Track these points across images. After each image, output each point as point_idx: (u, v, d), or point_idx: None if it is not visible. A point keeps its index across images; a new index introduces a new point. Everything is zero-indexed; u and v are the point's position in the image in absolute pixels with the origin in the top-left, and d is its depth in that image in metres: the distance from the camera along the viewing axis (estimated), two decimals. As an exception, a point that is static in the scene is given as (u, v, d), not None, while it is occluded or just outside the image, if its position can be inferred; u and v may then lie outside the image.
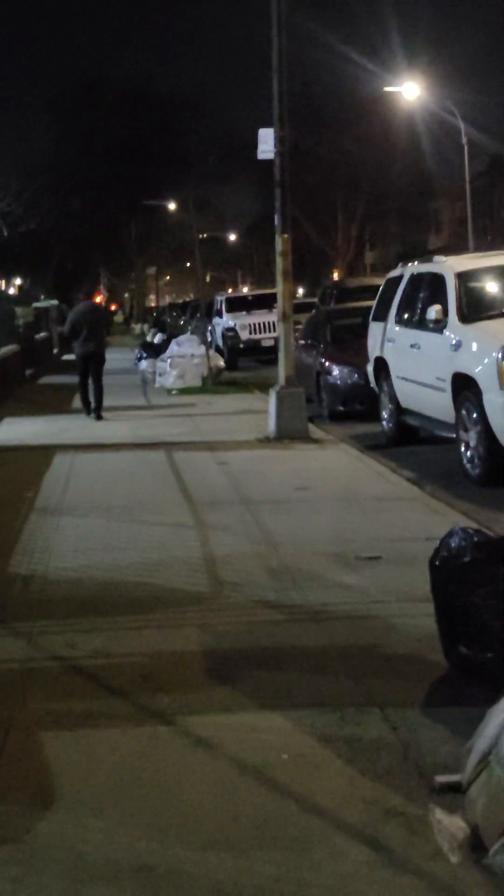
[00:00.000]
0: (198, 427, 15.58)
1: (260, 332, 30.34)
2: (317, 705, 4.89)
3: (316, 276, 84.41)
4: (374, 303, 18.60)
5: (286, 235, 13.62)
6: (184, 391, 21.22)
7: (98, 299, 38.09)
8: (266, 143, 13.75)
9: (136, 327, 63.29)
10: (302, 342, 19.01)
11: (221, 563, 7.49)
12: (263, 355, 31.15)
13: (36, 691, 5.20)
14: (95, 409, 17.20)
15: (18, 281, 76.91)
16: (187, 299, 72.77)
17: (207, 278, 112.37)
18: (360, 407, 16.26)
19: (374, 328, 14.42)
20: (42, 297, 48.22)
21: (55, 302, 40.59)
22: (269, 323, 30.35)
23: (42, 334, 32.64)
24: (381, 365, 13.96)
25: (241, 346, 30.34)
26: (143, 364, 24.88)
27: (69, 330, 17.91)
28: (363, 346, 16.95)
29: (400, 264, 14.58)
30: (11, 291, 65.45)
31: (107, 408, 18.29)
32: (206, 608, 6.45)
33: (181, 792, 4.11)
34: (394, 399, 13.41)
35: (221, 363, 23.65)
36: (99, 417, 17.05)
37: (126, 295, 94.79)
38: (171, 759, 4.39)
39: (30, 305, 30.36)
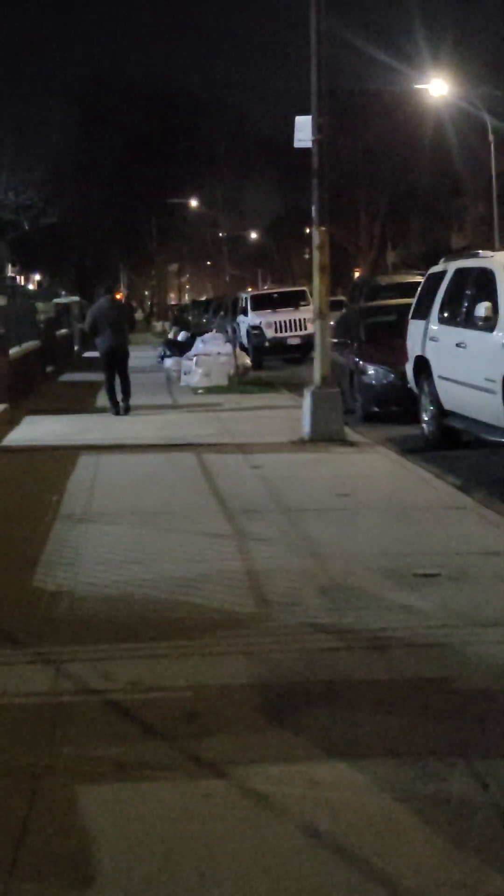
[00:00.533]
0: (227, 428, 14.94)
1: (286, 331, 29.72)
2: (391, 754, 4.25)
3: (338, 276, 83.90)
4: (410, 300, 17.99)
5: (324, 227, 12.96)
6: (210, 390, 20.59)
7: (118, 296, 37.50)
8: (303, 132, 13.10)
9: (158, 325, 62.76)
10: (334, 340, 18.33)
11: (265, 578, 6.85)
12: (289, 354, 30.58)
13: (66, 731, 4.57)
14: (124, 401, 17.21)
15: (38, 277, 76.53)
16: (207, 297, 72.19)
17: (227, 277, 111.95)
18: (396, 408, 15.60)
19: (414, 326, 13.76)
20: (63, 292, 47.67)
21: (76, 298, 40.02)
22: (295, 321, 29.77)
23: (63, 331, 32.07)
24: (421, 365, 13.30)
25: (267, 344, 29.72)
26: (168, 362, 24.26)
27: (89, 326, 17.90)
28: (399, 345, 16.29)
29: (442, 259, 13.91)
30: (30, 287, 65.02)
31: (132, 406, 17.72)
32: (253, 632, 5.81)
33: (242, 867, 3.47)
34: (435, 401, 12.75)
35: (248, 362, 23.03)
36: (127, 410, 17.08)
37: (146, 292, 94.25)
38: (229, 824, 3.75)
39: (50, 301, 29.79)
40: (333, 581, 6.74)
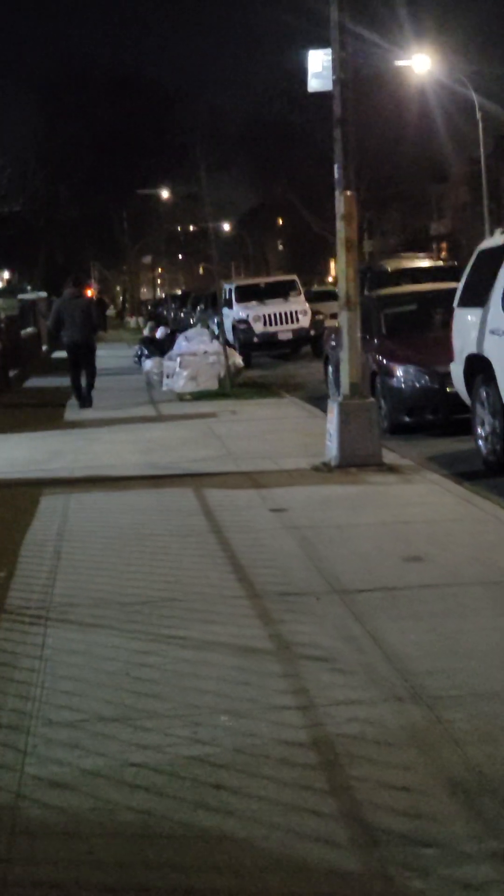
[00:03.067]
0: (227, 448, 12.03)
1: (276, 324, 26.73)
2: None
3: (314, 265, 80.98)
4: (428, 287, 15.26)
5: (350, 192, 10.07)
6: (198, 396, 17.67)
7: (89, 292, 34.62)
8: (319, 71, 10.20)
9: (131, 321, 59.74)
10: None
11: (350, 757, 3.98)
12: (279, 350, 27.66)
13: None
14: (87, 391, 17.04)
15: (6, 275, 73.36)
16: (185, 290, 69.28)
17: (200, 270, 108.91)
18: (431, 417, 12.76)
19: (464, 317, 10.89)
20: (28, 288, 44.55)
21: (44, 294, 36.94)
22: (285, 313, 26.82)
23: (29, 330, 29.03)
24: (477, 365, 10.42)
25: (256, 339, 26.69)
26: (148, 364, 21.21)
27: (52, 321, 17.66)
28: (428, 340, 13.57)
29: (499, 230, 11.04)
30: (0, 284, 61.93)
31: (108, 420, 14.87)
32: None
33: None
34: (500, 411, 9.87)
35: (240, 361, 20.07)
36: (89, 402, 16.87)
37: (118, 287, 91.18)
38: None
39: (12, 298, 26.72)
40: (472, 764, 3.86)
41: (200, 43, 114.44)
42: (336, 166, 10.12)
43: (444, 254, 64.64)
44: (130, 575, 6.68)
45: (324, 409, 15.18)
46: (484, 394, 10.33)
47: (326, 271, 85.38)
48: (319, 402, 16.36)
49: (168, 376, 19.17)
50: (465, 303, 10.98)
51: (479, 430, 10.52)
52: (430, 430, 12.88)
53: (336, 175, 10.13)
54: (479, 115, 47.33)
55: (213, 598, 6.10)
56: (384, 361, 13.27)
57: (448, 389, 12.46)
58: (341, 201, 10.08)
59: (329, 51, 10.08)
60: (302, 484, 9.58)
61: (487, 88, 49.82)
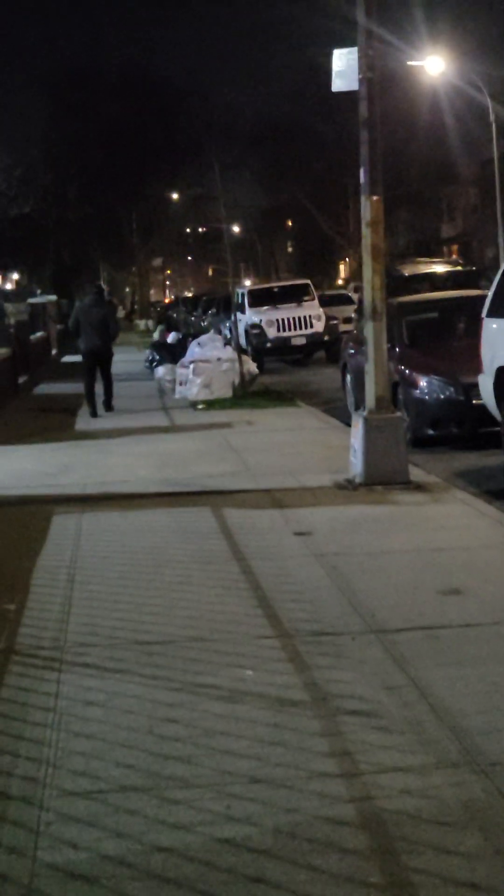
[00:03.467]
0: (245, 462, 11.57)
1: (289, 329, 26.25)
2: None
3: (324, 266, 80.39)
4: (449, 294, 14.77)
5: (376, 197, 9.60)
6: (212, 404, 17.20)
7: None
8: (344, 70, 9.73)
9: (141, 323, 59.32)
10: (362, 344, 15.01)
11: (405, 841, 3.52)
12: (292, 355, 27.20)
13: None
14: (105, 402, 16.90)
15: (16, 276, 72.94)
16: (196, 293, 68.88)
17: (209, 272, 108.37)
18: (456, 430, 12.28)
19: (495, 327, 10.42)
20: (38, 291, 44.16)
21: (53, 297, 36.52)
22: (299, 318, 26.34)
23: (38, 334, 28.61)
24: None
25: (269, 345, 26.20)
26: (160, 371, 20.74)
27: (73, 325, 17.35)
28: (452, 350, 13.12)
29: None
30: (8, 286, 61.49)
31: (121, 430, 14.44)
32: None
33: None
34: (534, 428, 9.40)
35: (255, 368, 19.58)
36: (110, 408, 16.84)
37: (127, 289, 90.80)
38: None
39: (23, 301, 26.29)
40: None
41: (212, 41, 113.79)
42: (362, 170, 9.65)
43: (454, 255, 63.99)
44: (150, 609, 6.22)
45: (343, 420, 14.76)
46: (517, 408, 9.87)
47: (336, 273, 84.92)
48: (337, 411, 15.92)
49: (181, 383, 18.71)
50: (494, 312, 10.51)
51: (511, 446, 10.05)
52: (455, 444, 12.42)
53: (362, 179, 9.66)
54: (492, 117, 46.86)
55: (240, 638, 5.64)
56: (407, 372, 12.80)
57: (474, 401, 12.01)
58: (368, 206, 9.62)
59: (354, 49, 9.62)
60: (326, 504, 9.11)
61: (501, 91, 49.30)
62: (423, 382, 12.50)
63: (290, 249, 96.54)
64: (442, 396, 12.37)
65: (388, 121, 55.56)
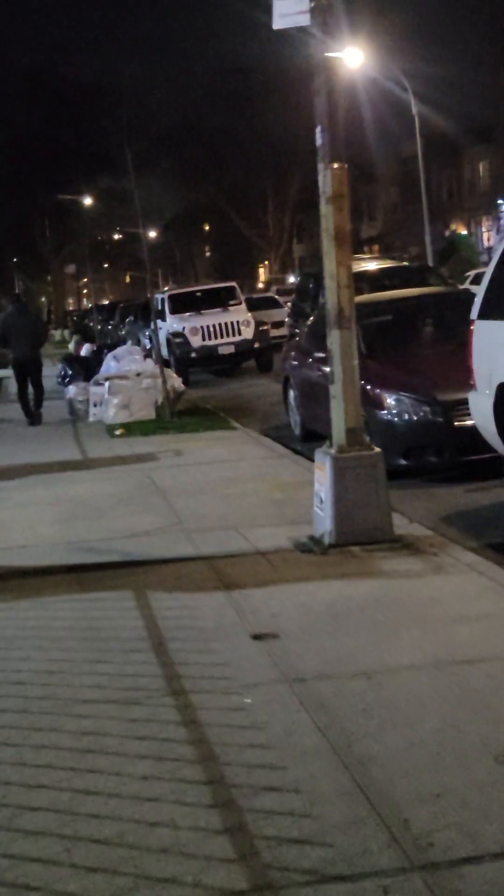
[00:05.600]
0: (175, 510, 9.12)
1: (216, 337, 23.75)
2: None
3: (245, 270, 78.18)
4: (404, 292, 12.77)
5: (338, 165, 7.22)
6: (132, 429, 14.71)
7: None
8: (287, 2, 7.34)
9: (56, 334, 56.48)
10: (309, 355, 12.68)
11: None
12: (220, 365, 24.73)
13: None
14: (35, 409, 16.63)
15: None
16: (112, 300, 66.17)
17: (127, 279, 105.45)
18: (434, 459, 9.97)
19: (492, 332, 8.12)
20: None
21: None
22: (225, 325, 23.88)
23: None
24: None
25: (193, 355, 23.65)
26: (72, 390, 18.12)
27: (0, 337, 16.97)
28: (423, 360, 10.90)
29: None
30: None
31: (21, 467, 11.95)
32: None
33: None
34: None
35: (180, 384, 17.11)
36: (39, 419, 16.51)
37: (42, 299, 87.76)
38: None
39: None
40: None
41: (124, 41, 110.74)
42: (318, 130, 7.28)
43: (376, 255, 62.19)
44: (28, 822, 3.75)
45: (288, 445, 12.38)
46: (529, 438, 7.56)
47: (256, 277, 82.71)
48: (279, 433, 13.59)
49: (95, 404, 16.20)
50: (490, 313, 8.20)
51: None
52: (427, 475, 10.13)
53: (319, 141, 7.29)
54: (414, 111, 44.96)
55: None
56: (369, 388, 10.42)
57: (456, 423, 9.74)
58: (328, 177, 7.23)
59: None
60: (290, 579, 6.70)
61: (422, 88, 47.39)
62: (390, 401, 10.16)
63: (207, 254, 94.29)
64: (415, 418, 10.04)
65: (302, 116, 53.25)
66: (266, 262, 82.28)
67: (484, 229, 73.41)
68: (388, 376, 10.48)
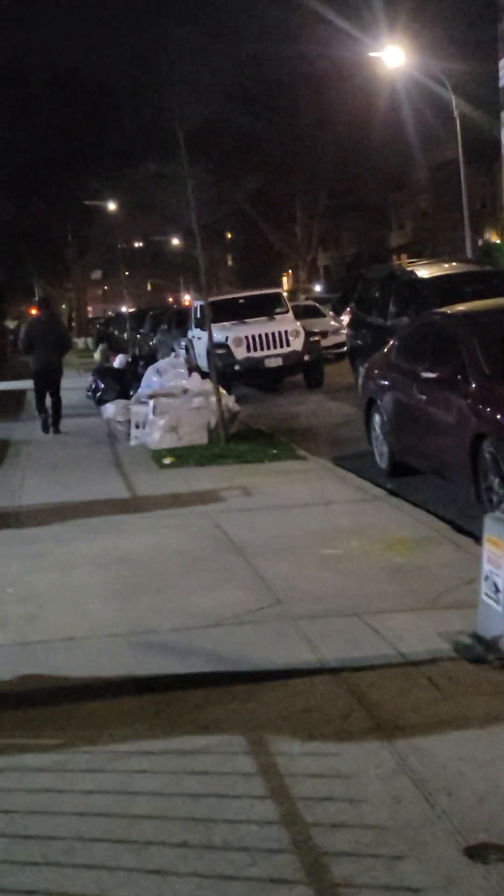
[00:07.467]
0: (266, 581, 6.90)
1: (262, 349, 21.49)
2: None
3: (266, 279, 76.04)
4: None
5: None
6: (182, 455, 12.53)
7: (33, 312, 29.74)
8: None
9: (79, 342, 54.45)
10: (408, 374, 10.44)
11: None
12: (265, 380, 22.37)
13: None
14: (53, 423, 16.19)
15: None
16: (141, 307, 64.13)
17: (148, 286, 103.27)
18: None
19: None
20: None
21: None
22: (272, 335, 21.60)
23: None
24: None
25: (237, 368, 21.34)
26: (110, 409, 15.91)
27: (23, 344, 16.69)
28: None
29: None
30: None
31: (58, 507, 9.73)
32: None
33: None
34: None
35: (234, 404, 14.91)
36: (57, 432, 16.03)
37: (63, 306, 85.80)
38: None
39: None
40: None
41: (147, 43, 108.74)
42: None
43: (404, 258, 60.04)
44: None
45: (378, 483, 10.20)
46: None
47: (279, 286, 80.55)
48: (352, 462, 11.42)
49: (137, 426, 14.02)
50: None
51: None
52: None
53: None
54: (456, 114, 42.68)
55: None
56: (500, 418, 8.22)
57: None
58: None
59: None
60: (474, 716, 4.49)
61: (464, 88, 45.09)
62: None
63: (231, 262, 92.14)
64: None
65: (340, 118, 50.97)
66: (289, 271, 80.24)
67: (518, 239, 71.25)
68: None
